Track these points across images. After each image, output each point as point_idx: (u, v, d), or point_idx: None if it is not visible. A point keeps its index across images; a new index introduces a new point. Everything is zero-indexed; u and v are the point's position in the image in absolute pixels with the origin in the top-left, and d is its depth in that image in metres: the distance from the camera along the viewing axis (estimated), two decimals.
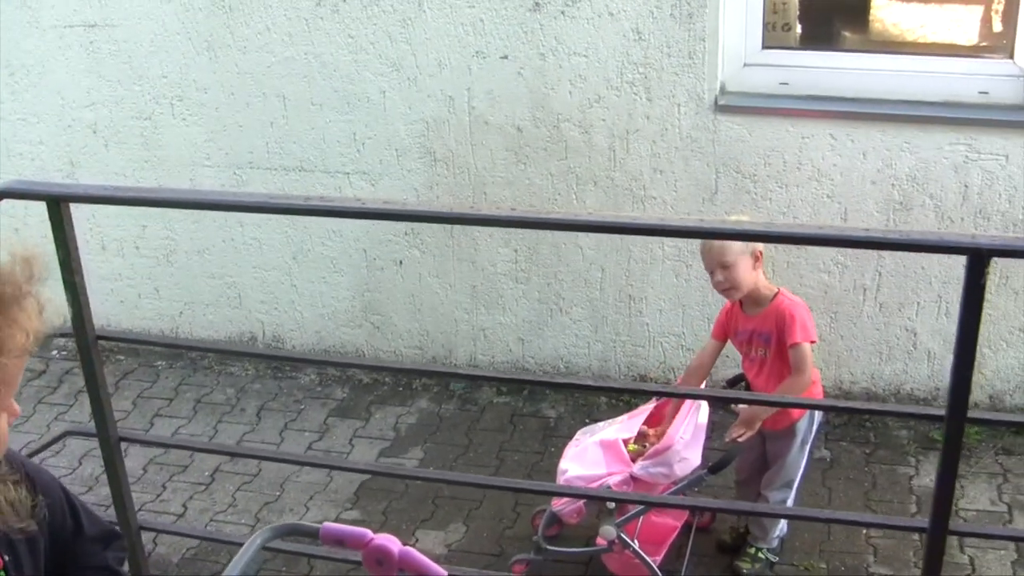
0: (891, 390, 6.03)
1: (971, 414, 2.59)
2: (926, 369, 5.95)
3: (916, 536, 5.25)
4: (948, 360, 5.75)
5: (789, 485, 4.86)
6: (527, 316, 6.34)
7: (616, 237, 5.96)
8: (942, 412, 2.62)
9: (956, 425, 2.58)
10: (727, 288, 4.50)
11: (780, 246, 5.71)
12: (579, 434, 5.06)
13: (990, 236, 2.32)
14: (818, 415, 4.87)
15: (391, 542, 2.35)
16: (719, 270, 4.45)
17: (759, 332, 4.61)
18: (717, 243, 4.40)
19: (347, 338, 6.67)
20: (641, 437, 4.96)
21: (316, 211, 2.87)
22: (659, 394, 5.10)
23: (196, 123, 6.27)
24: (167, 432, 6.25)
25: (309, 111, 6.09)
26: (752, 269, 4.48)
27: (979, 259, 2.28)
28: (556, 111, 5.80)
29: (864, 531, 5.30)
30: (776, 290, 4.59)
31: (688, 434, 4.59)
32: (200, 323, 6.85)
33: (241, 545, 2.48)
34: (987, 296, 5.57)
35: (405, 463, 5.94)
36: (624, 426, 4.98)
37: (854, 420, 6.07)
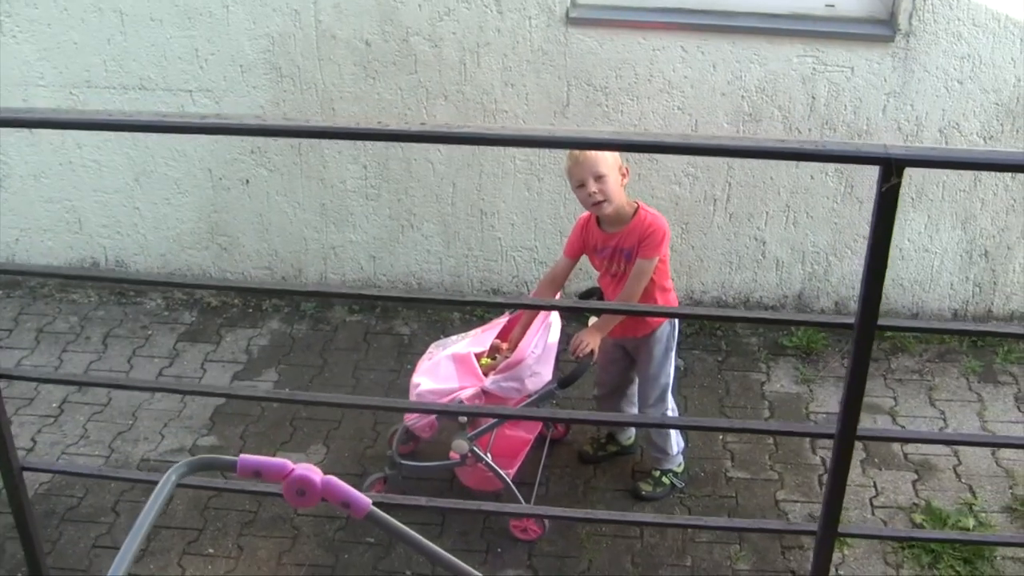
0: (741, 298, 6.16)
1: (880, 322, 2.61)
2: (774, 277, 6.08)
3: (770, 441, 5.41)
4: (796, 268, 5.94)
5: (663, 397, 4.92)
6: (377, 233, 6.27)
7: (467, 152, 5.92)
8: (851, 320, 2.65)
9: (866, 334, 2.62)
10: (600, 201, 4.43)
11: (631, 157, 5.74)
12: (432, 347, 5.04)
13: (902, 146, 2.33)
14: (677, 322, 4.94)
15: (312, 472, 2.29)
16: (592, 181, 4.39)
17: (620, 248, 4.60)
18: (591, 154, 4.36)
19: (193, 260, 6.50)
20: (494, 351, 4.96)
21: (163, 128, 2.73)
22: (512, 306, 5.10)
23: (27, 40, 5.96)
24: (7, 365, 6.03)
25: (148, 26, 5.84)
26: (620, 184, 4.48)
27: (889, 168, 2.29)
28: (405, 24, 5.68)
29: (721, 436, 5.44)
30: (636, 205, 4.59)
31: (540, 348, 4.61)
32: (39, 250, 6.59)
33: (129, 481, 2.38)
34: (832, 206, 5.75)
35: (259, 386, 5.85)
36: (476, 340, 4.98)
37: (705, 328, 6.19)
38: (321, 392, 5.74)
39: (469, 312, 6.35)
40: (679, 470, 5.09)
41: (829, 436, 2.86)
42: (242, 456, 2.31)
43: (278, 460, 2.30)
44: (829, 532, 3.06)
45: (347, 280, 6.43)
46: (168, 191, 6.29)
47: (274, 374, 5.94)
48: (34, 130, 6.16)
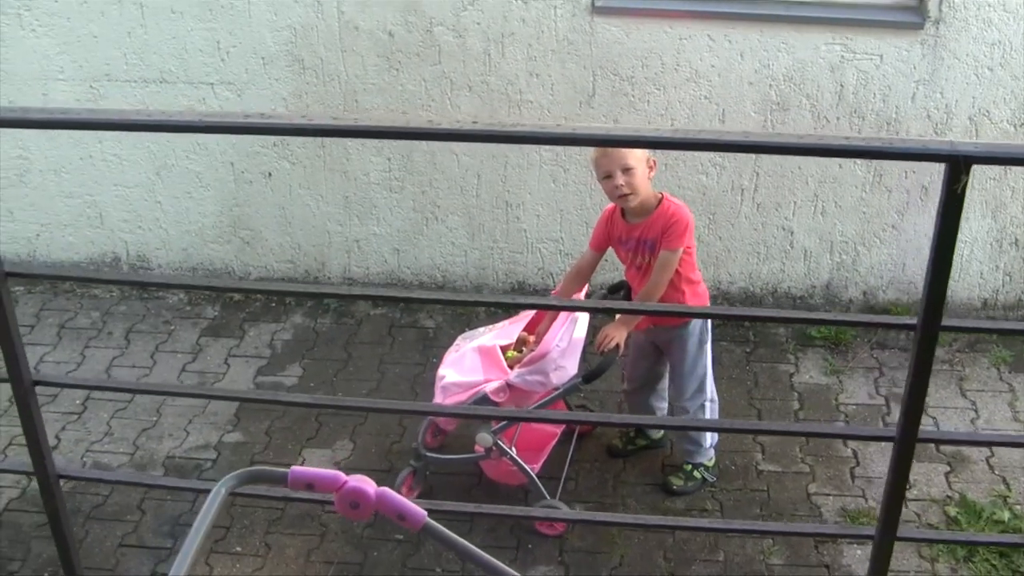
0: (768, 289, 6.10)
1: (944, 322, 2.54)
2: (802, 267, 6.01)
3: None
4: (824, 259, 5.88)
5: (702, 389, 4.85)
6: (401, 226, 6.22)
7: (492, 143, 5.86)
8: (914, 321, 2.58)
9: (929, 335, 2.54)
10: (627, 193, 4.37)
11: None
12: (459, 339, 5.00)
13: (968, 143, 2.25)
14: (710, 321, 4.87)
15: (366, 483, 2.23)
16: (620, 173, 4.32)
17: (644, 240, 4.54)
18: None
19: (215, 255, 6.45)
20: (520, 343, 4.92)
21: (180, 127, 2.68)
22: (532, 306, 5.02)
23: (46, 34, 5.92)
24: (31, 361, 5.98)
25: (169, 19, 5.80)
26: (647, 177, 4.42)
27: (957, 166, 2.22)
28: (429, 15, 5.63)
29: None
30: (660, 196, 4.52)
31: (565, 342, 4.53)
32: (59, 245, 6.54)
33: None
34: (861, 195, 5.68)
35: (284, 381, 5.81)
36: (503, 332, 4.94)
37: (731, 326, 6.12)
38: (348, 386, 5.70)
39: (495, 305, 6.30)
40: (710, 464, 5.03)
41: (890, 439, 2.79)
42: (293, 468, 2.25)
43: (330, 472, 2.25)
44: (887, 536, 2.97)
45: (371, 273, 6.38)
46: (190, 185, 6.24)
47: (298, 368, 5.90)
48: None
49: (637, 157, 4.32)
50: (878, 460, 5.15)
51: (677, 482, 5.02)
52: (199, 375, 5.88)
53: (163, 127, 2.56)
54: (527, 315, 4.97)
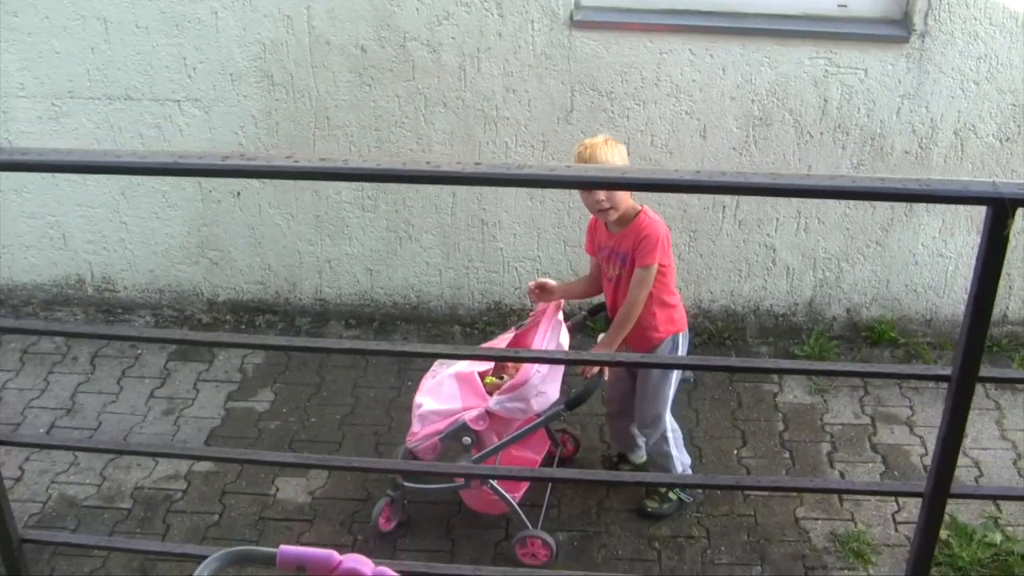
0: (750, 307, 5.98)
1: (981, 372, 2.38)
2: (785, 284, 5.90)
3: (787, 455, 5.25)
4: (807, 275, 5.77)
5: (659, 419, 4.71)
6: (375, 245, 6.06)
7: (468, 159, 5.65)
8: (948, 372, 2.42)
9: (965, 387, 2.37)
10: (608, 208, 4.31)
11: (638, 163, 5.57)
12: (436, 365, 4.84)
13: (1012, 184, 2.10)
14: (682, 345, 4.71)
15: (362, 564, 2.05)
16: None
17: (617, 251, 4.45)
18: (601, 157, 4.26)
19: (183, 275, 6.27)
20: (499, 368, 4.78)
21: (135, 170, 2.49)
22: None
23: (7, 50, 5.71)
24: None
25: (134, 34, 5.61)
26: (627, 191, 4.31)
27: (1002, 209, 2.07)
28: (403, 29, 5.47)
29: (735, 451, 5.28)
30: (640, 208, 4.43)
31: (545, 367, 4.37)
32: (21, 266, 6.34)
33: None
34: (844, 211, 5.58)
35: (255, 407, 5.65)
36: None
37: (714, 338, 6.04)
38: (321, 411, 5.55)
39: (470, 326, 6.16)
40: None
41: (918, 495, 2.63)
42: (282, 548, 2.07)
43: (323, 552, 2.06)
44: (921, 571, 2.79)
45: (343, 294, 6.21)
46: (156, 205, 6.06)
47: (270, 393, 5.73)
48: (14, 142, 5.93)
49: None
50: (864, 477, 5.06)
51: (652, 504, 4.89)
52: (167, 401, 5.70)
53: (135, 169, 2.39)
54: (506, 338, 4.83)
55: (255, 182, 5.91)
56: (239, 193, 5.95)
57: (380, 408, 5.59)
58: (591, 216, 4.60)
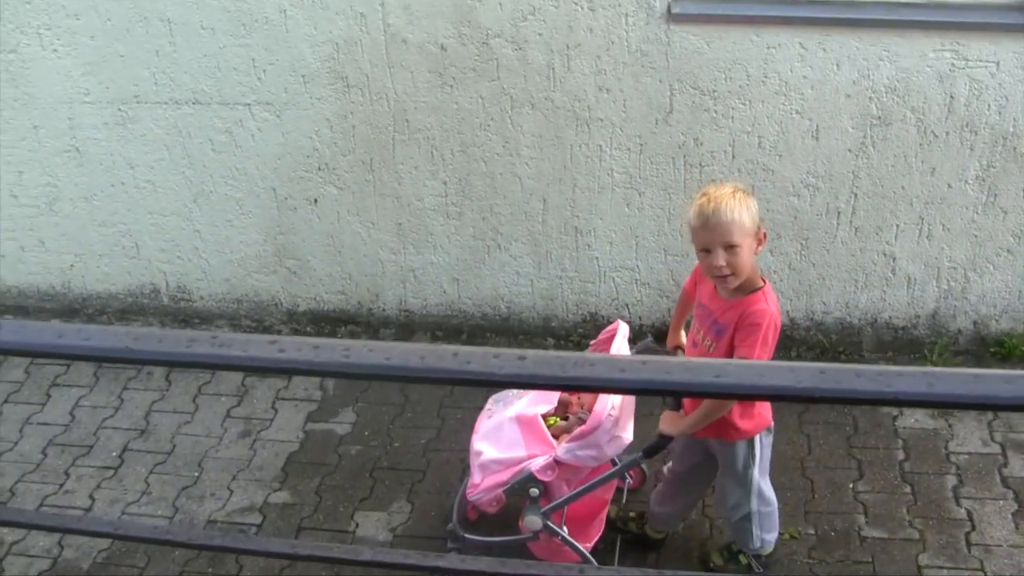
0: (867, 319, 5.50)
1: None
2: (905, 296, 5.40)
3: (908, 490, 4.79)
4: (929, 286, 5.27)
5: (745, 502, 4.10)
6: (460, 254, 5.68)
7: (558, 164, 5.31)
8: None
9: None
10: (727, 275, 3.60)
11: (744, 167, 5.12)
12: (490, 402, 4.51)
13: None
14: (764, 443, 4.01)
15: None
16: (722, 252, 3.55)
17: (716, 320, 3.78)
18: (727, 215, 3.51)
19: (261, 285, 5.96)
20: (562, 407, 4.40)
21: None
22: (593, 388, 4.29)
23: (69, 55, 5.41)
24: (66, 406, 5.56)
25: (199, 36, 5.26)
26: (754, 252, 3.64)
27: None
28: (485, 25, 5.05)
29: (851, 486, 4.83)
30: (761, 285, 3.71)
31: (616, 410, 3.87)
32: (94, 276, 6.09)
33: None
34: (972, 217, 5.08)
35: (336, 429, 5.35)
36: (539, 395, 4.38)
37: (827, 353, 5.58)
38: (405, 434, 5.23)
39: (564, 338, 5.77)
40: (764, 553, 4.28)
41: None
42: None
43: None
44: None
45: (429, 304, 5.85)
46: (229, 212, 5.74)
47: (351, 414, 5.42)
48: (81, 149, 5.65)
49: (745, 231, 3.55)
50: (997, 523, 4.60)
51: (717, 559, 4.42)
52: (244, 421, 5.42)
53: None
54: None
55: (333, 188, 5.56)
56: (316, 200, 5.61)
57: (467, 432, 5.16)
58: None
